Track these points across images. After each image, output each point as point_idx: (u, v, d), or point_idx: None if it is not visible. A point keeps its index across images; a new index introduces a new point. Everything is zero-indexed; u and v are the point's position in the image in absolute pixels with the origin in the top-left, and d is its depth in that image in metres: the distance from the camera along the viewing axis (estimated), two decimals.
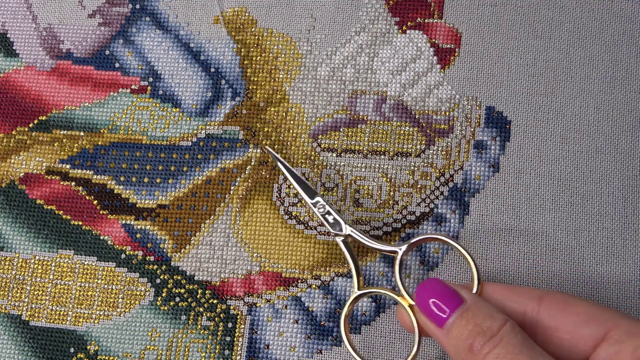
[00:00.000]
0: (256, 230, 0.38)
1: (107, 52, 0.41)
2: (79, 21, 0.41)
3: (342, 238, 0.35)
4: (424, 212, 0.37)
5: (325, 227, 0.35)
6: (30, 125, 0.40)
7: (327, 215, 0.35)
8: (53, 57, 0.41)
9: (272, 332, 0.36)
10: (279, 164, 0.36)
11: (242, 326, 0.37)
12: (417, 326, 0.31)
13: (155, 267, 0.38)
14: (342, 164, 0.38)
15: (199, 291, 0.37)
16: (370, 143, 0.38)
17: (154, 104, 0.40)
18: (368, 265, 0.37)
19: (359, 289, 0.34)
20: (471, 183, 0.37)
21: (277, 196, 0.38)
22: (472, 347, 0.27)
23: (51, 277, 0.38)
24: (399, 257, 0.33)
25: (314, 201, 0.35)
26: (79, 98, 0.40)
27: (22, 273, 0.38)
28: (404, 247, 0.33)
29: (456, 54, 0.39)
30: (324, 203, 0.35)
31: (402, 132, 0.38)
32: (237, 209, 0.38)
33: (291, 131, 0.39)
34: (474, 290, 0.31)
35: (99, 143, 0.39)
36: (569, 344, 0.28)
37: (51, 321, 0.37)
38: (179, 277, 0.37)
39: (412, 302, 0.32)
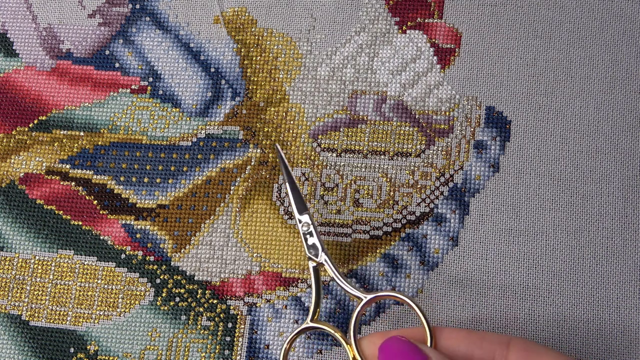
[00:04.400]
0: (256, 230, 0.38)
1: (107, 52, 0.41)
2: (79, 21, 0.41)
3: (315, 264, 0.34)
4: (424, 212, 0.37)
5: (303, 246, 0.34)
6: (30, 125, 0.40)
7: (307, 236, 0.34)
8: (53, 57, 0.41)
9: (272, 332, 0.37)
10: (282, 166, 0.35)
11: (242, 326, 0.37)
12: None
13: (155, 267, 0.38)
14: (342, 164, 0.38)
15: (199, 291, 0.37)
16: (370, 143, 0.38)
17: (154, 104, 0.40)
18: (368, 265, 0.37)
19: (312, 321, 0.33)
20: (471, 183, 0.37)
21: (277, 196, 0.38)
22: None
23: (51, 277, 0.38)
24: (361, 304, 0.32)
25: (301, 217, 0.34)
26: (79, 98, 0.40)
27: (22, 273, 0.38)
28: (369, 297, 0.32)
29: (456, 54, 0.39)
30: (309, 222, 0.34)
31: (402, 132, 0.38)
32: (237, 209, 0.38)
33: (291, 131, 0.39)
34: (428, 344, 0.30)
35: (99, 143, 0.39)
36: None
37: (51, 321, 0.37)
38: (179, 277, 0.37)
39: (357, 354, 0.31)
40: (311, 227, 0.34)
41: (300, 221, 0.34)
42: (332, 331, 0.32)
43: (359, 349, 0.31)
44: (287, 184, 0.35)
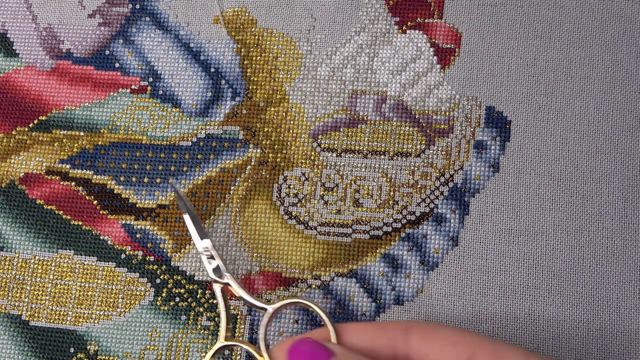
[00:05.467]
0: (256, 230, 0.38)
1: (107, 52, 0.41)
2: (79, 21, 0.41)
3: (221, 286, 0.34)
4: (424, 212, 0.37)
5: (206, 271, 0.35)
6: (30, 125, 0.40)
7: (210, 259, 0.34)
8: (53, 57, 0.41)
9: (272, 332, 0.36)
10: (178, 200, 0.36)
11: (242, 326, 0.37)
12: None
13: (155, 267, 0.38)
14: (342, 164, 0.38)
15: (199, 291, 0.37)
16: (370, 143, 0.38)
17: (154, 104, 0.40)
18: (368, 265, 0.37)
19: (225, 339, 0.33)
20: (471, 183, 0.37)
21: (277, 196, 0.38)
22: None
23: (51, 277, 0.38)
24: (267, 315, 0.33)
25: (202, 243, 0.35)
26: (79, 98, 0.40)
27: (22, 273, 0.38)
28: (276, 306, 0.33)
29: (456, 54, 0.39)
30: (209, 247, 0.34)
31: (402, 132, 0.38)
32: (237, 209, 0.38)
33: (291, 131, 0.39)
34: (333, 340, 0.31)
35: (99, 143, 0.39)
36: None
37: (51, 321, 0.37)
38: (179, 277, 0.37)
39: None
40: (212, 250, 0.34)
41: (200, 247, 0.35)
42: (247, 347, 0.33)
43: (271, 357, 0.32)
44: (187, 215, 0.35)
